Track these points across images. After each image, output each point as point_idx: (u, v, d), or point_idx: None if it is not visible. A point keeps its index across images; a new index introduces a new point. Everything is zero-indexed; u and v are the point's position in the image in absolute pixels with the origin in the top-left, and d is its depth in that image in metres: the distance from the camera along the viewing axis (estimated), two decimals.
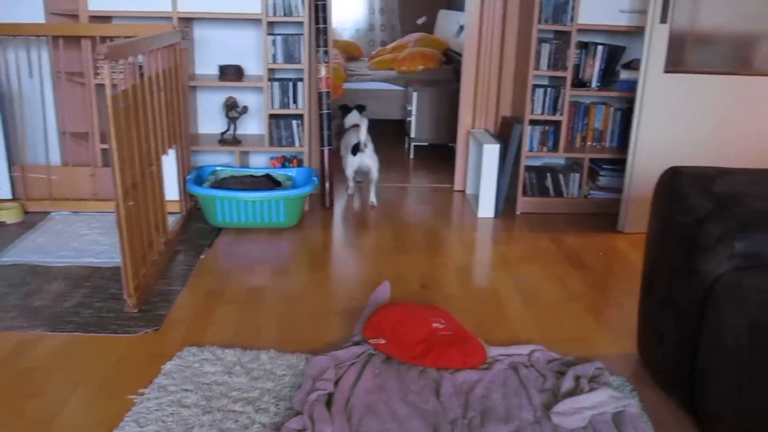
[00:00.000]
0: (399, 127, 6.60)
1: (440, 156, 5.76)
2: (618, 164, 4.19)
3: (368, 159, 4.28)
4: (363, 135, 4.23)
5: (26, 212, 3.93)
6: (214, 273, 3.24)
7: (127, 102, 2.79)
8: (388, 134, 6.62)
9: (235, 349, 2.46)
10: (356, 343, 2.44)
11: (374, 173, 4.32)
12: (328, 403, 2.07)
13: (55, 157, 4.21)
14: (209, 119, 4.37)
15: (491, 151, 4.04)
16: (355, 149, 4.24)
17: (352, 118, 4.79)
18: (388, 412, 2.05)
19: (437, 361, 2.29)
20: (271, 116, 4.10)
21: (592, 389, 2.12)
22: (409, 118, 5.79)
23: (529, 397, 2.15)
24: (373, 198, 4.35)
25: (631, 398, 2.13)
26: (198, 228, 3.82)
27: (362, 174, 4.50)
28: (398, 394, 2.14)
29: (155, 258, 3.18)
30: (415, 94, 5.59)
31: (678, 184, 2.14)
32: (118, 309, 2.83)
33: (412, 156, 5.74)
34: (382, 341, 2.34)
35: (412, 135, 5.70)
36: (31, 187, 4.05)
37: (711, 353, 1.93)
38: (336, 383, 2.19)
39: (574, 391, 2.13)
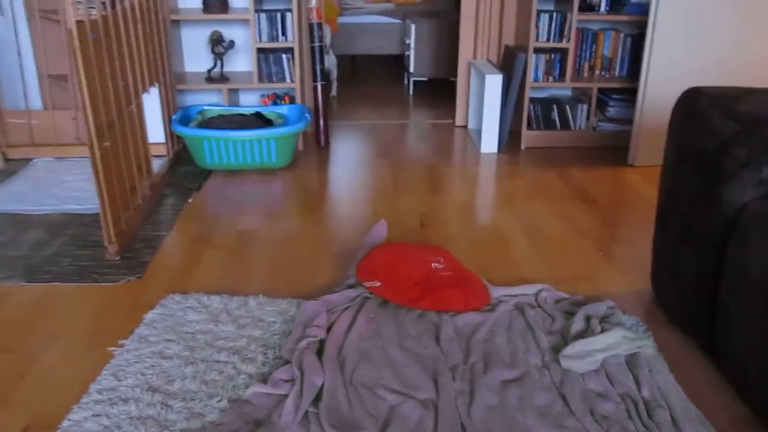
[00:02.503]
0: (397, 63, 6.35)
1: (441, 91, 5.52)
2: (628, 94, 3.97)
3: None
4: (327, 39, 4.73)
5: (7, 159, 3.75)
6: (202, 217, 3.07)
7: (97, 33, 2.57)
8: (386, 70, 6.37)
9: (221, 296, 2.31)
10: (350, 287, 2.28)
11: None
12: (320, 351, 1.92)
13: (36, 101, 4.00)
14: (196, 57, 4.13)
15: (493, 82, 3.81)
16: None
17: None
18: (384, 358, 1.90)
19: (436, 304, 2.13)
20: (260, 50, 3.87)
21: (603, 330, 1.96)
22: (407, 53, 5.53)
23: (536, 339, 1.99)
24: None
25: (645, 338, 1.97)
26: (186, 170, 3.64)
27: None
28: (395, 340, 1.99)
29: (139, 203, 3.01)
30: (413, 27, 5.32)
31: (698, 106, 1.94)
32: (99, 257, 2.67)
33: (411, 92, 5.50)
34: (377, 284, 2.18)
35: (411, 70, 5.45)
36: (11, 133, 3.85)
37: (734, 289, 1.76)
38: (328, 329, 2.03)
39: (585, 333, 1.98)
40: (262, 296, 2.31)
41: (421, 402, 1.73)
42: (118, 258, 2.67)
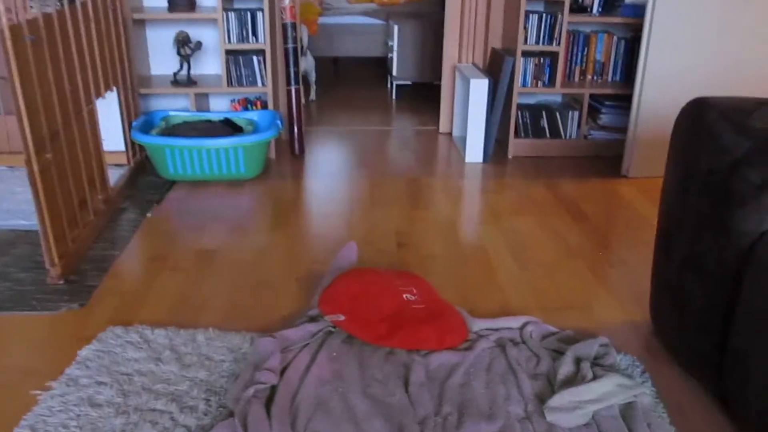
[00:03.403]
0: (381, 66, 6.10)
1: (425, 96, 5.28)
2: (622, 101, 3.73)
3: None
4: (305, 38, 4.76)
5: None
6: (160, 234, 2.81)
7: (37, 34, 2.32)
8: (369, 73, 6.13)
9: (167, 329, 2.06)
10: (312, 319, 2.03)
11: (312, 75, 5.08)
12: (270, 400, 1.67)
13: None
14: (162, 59, 3.87)
15: (479, 87, 3.57)
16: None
17: None
18: (344, 408, 1.65)
19: (407, 341, 1.89)
20: (229, 52, 3.61)
21: (595, 376, 1.72)
22: (390, 55, 5.28)
23: (518, 385, 1.75)
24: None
25: (642, 386, 1.73)
26: (148, 182, 3.38)
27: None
28: (358, 385, 1.74)
29: (91, 218, 2.75)
30: (396, 28, 5.07)
31: (705, 120, 1.70)
32: (40, 281, 2.41)
33: (394, 96, 5.25)
34: (341, 317, 1.93)
35: (394, 73, 5.20)
36: None
37: (749, 330, 1.52)
38: (283, 371, 1.78)
39: (574, 379, 1.73)
40: (212, 330, 2.05)
41: None
42: (61, 282, 2.41)
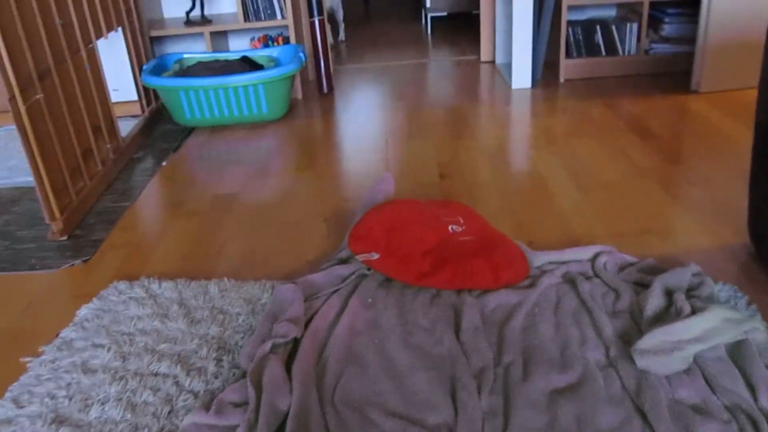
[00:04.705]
0: (415, 1, 5.69)
1: (462, 27, 4.86)
2: (687, 7, 3.28)
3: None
4: None
5: None
6: (175, 182, 2.54)
7: None
8: (402, 10, 5.72)
9: (177, 281, 1.78)
10: (342, 261, 1.73)
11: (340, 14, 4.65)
12: (292, 356, 1.37)
13: None
14: (175, 2, 3.56)
15: (523, 3, 3.16)
16: None
17: None
18: (382, 363, 1.35)
19: (455, 280, 1.56)
20: None
21: (694, 311, 1.37)
22: None
23: (595, 325, 1.41)
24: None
25: (753, 319, 1.37)
26: (165, 130, 3.10)
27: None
28: (398, 334, 1.43)
29: (98, 170, 2.49)
30: None
31: None
32: (42, 237, 2.16)
33: (429, 31, 4.84)
34: (375, 256, 1.62)
35: (428, 5, 4.79)
36: None
37: None
38: (308, 323, 1.49)
39: (666, 314, 1.39)
40: (227, 280, 1.77)
41: (431, 429, 1.18)
42: (64, 238, 2.16)
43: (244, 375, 1.34)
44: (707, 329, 1.30)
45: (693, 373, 1.25)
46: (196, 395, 1.34)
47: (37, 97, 2.11)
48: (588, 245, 1.74)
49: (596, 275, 1.61)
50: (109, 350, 1.51)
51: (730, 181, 2.16)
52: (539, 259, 1.67)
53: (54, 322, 1.70)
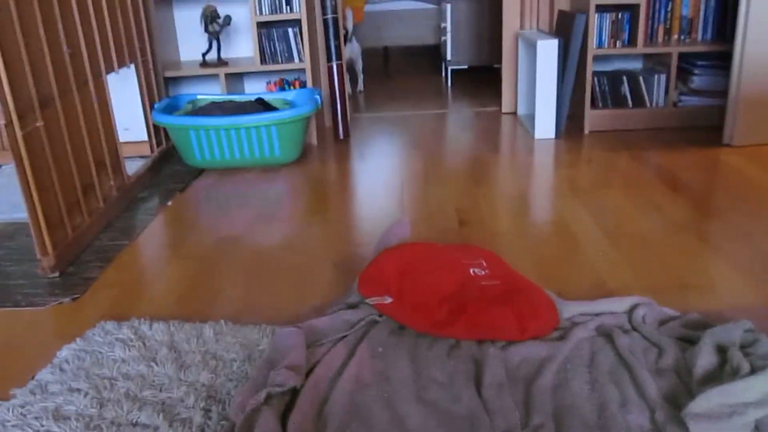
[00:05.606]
0: (434, 54, 5.65)
1: (483, 80, 4.79)
2: (717, 59, 3.17)
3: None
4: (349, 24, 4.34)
5: None
6: (178, 222, 2.41)
7: None
8: (422, 62, 5.68)
9: (170, 323, 1.62)
10: (351, 306, 1.57)
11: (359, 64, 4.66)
12: (289, 408, 1.20)
13: None
14: (192, 43, 3.51)
15: (548, 49, 3.07)
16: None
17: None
18: (390, 419, 1.17)
19: (477, 329, 1.39)
20: (261, 25, 3.22)
21: (753, 369, 1.19)
22: (444, 38, 4.83)
23: (637, 384, 1.24)
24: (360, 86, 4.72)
25: None
26: (173, 171, 2.99)
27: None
28: (410, 388, 1.26)
29: (99, 206, 2.37)
30: (449, 8, 4.61)
31: None
32: (32, 274, 2.03)
33: (449, 83, 4.77)
34: (388, 300, 1.46)
35: (449, 57, 4.73)
36: None
37: None
38: (309, 372, 1.32)
39: (720, 373, 1.21)
40: (224, 323, 1.61)
41: None
42: (56, 274, 2.02)
43: (233, 428, 1.17)
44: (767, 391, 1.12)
45: None
46: None
47: (37, 125, 2.00)
48: (624, 296, 1.57)
49: (634, 329, 1.43)
50: (86, 395, 1.35)
51: None
52: (570, 309, 1.50)
53: (32, 363, 1.54)
